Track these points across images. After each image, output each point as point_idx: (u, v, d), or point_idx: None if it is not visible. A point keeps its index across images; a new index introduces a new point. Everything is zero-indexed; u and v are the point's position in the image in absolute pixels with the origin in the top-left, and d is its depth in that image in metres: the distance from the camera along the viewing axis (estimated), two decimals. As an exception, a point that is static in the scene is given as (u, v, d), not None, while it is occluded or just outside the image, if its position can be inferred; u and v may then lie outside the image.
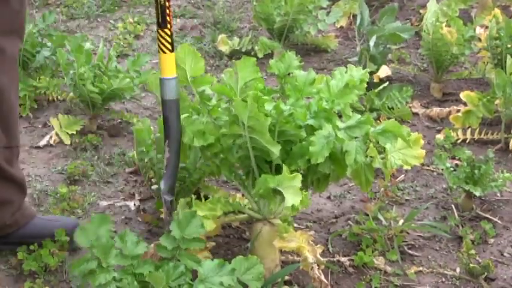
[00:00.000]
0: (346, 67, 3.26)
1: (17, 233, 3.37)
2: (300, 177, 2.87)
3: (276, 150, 2.98)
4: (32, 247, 3.31)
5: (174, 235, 2.91)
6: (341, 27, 5.99)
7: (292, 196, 2.84)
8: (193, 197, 3.22)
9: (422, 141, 3.23)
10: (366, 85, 3.25)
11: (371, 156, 3.10)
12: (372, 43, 4.93)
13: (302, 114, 3.04)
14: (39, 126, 4.55)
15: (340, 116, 3.13)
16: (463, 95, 4.48)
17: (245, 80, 3.08)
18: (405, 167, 3.19)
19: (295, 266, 3.19)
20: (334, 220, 3.75)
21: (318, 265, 3.12)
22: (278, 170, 3.05)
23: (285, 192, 2.86)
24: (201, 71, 3.12)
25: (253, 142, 3.00)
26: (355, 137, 2.99)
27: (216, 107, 3.11)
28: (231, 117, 3.02)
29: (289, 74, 3.26)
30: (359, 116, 3.04)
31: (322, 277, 3.10)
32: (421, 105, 4.86)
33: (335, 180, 3.22)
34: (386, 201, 3.85)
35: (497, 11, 4.81)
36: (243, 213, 3.31)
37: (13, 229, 3.36)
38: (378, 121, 4.34)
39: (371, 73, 4.57)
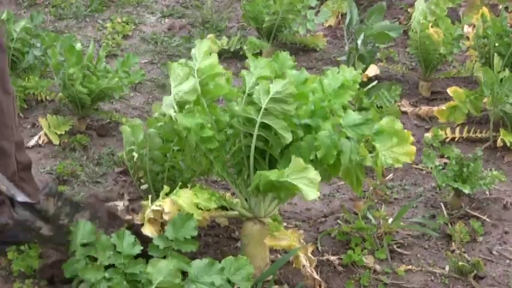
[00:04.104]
0: (339, 67, 3.26)
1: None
2: (313, 169, 2.87)
3: (288, 135, 2.99)
4: (21, 247, 3.31)
5: (167, 235, 2.92)
6: (329, 26, 5.99)
7: (309, 189, 2.83)
8: (197, 185, 3.21)
9: (412, 138, 3.23)
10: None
11: (362, 156, 3.11)
12: (359, 42, 4.93)
13: (305, 113, 3.04)
14: (28, 126, 4.54)
15: (332, 115, 3.13)
16: (450, 91, 4.49)
17: (259, 76, 3.08)
18: (396, 165, 3.19)
19: (284, 259, 3.20)
20: (323, 219, 3.75)
21: (309, 263, 3.13)
22: (272, 168, 3.06)
23: (299, 184, 2.85)
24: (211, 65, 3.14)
25: (261, 129, 3.01)
26: (362, 135, 2.99)
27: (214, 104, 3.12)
28: (247, 99, 3.03)
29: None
30: (356, 113, 3.04)
31: (315, 275, 3.11)
32: (409, 103, 4.86)
33: (326, 179, 3.22)
34: (376, 200, 3.86)
35: (484, 9, 4.82)
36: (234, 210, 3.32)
37: None
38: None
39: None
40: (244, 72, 3.11)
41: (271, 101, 2.94)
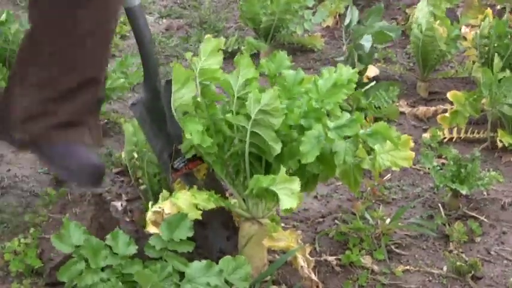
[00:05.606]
0: (336, 67, 3.25)
1: (48, 149, 3.41)
2: (297, 180, 2.88)
3: (278, 147, 2.99)
4: (18, 248, 3.31)
5: (162, 236, 2.92)
6: (327, 26, 5.99)
7: (288, 199, 2.84)
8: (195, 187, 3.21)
9: (411, 143, 3.22)
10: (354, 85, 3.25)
11: (360, 157, 3.10)
12: (364, 42, 4.90)
13: (296, 115, 3.04)
14: (26, 126, 4.53)
15: (328, 116, 3.12)
16: (449, 95, 4.48)
17: (245, 77, 3.07)
18: (394, 168, 3.19)
19: (282, 260, 3.19)
20: (321, 219, 3.75)
21: (307, 264, 3.13)
22: (268, 170, 3.06)
23: (280, 194, 2.86)
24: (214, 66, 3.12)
25: (253, 137, 3.00)
26: (346, 137, 2.98)
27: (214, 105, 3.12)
28: (239, 107, 3.03)
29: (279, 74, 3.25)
30: (348, 115, 3.04)
31: (313, 276, 3.11)
32: (407, 104, 4.86)
33: (323, 180, 3.22)
34: (373, 201, 3.86)
35: (489, 10, 4.81)
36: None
37: (43, 141, 3.40)
38: (365, 120, 4.34)
39: (359, 73, 4.57)
40: (227, 76, 3.09)
41: (260, 112, 2.93)
